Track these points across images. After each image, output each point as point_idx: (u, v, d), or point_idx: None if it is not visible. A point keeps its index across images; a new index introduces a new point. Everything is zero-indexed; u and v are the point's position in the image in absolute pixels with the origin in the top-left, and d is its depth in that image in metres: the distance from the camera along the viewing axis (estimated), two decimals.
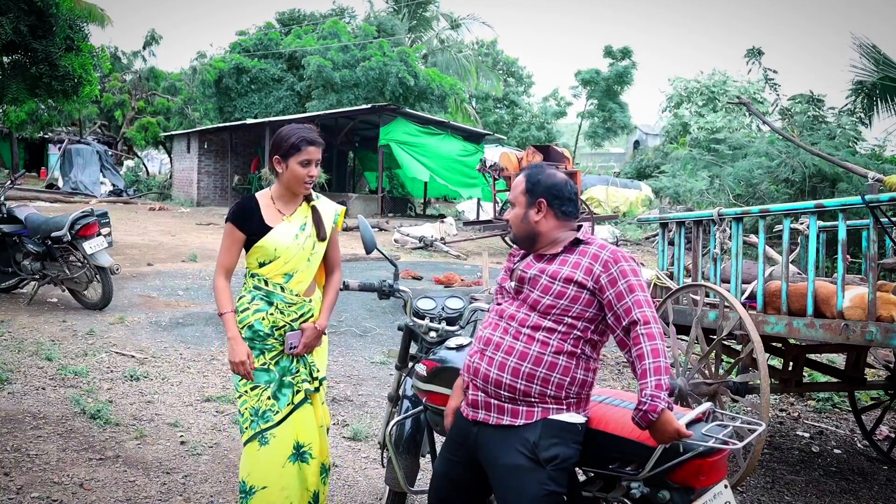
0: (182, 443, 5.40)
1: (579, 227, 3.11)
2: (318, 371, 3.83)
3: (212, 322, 8.88)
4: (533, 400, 2.87)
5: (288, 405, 3.69)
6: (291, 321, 3.71)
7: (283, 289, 3.70)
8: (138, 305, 9.80)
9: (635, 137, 48.00)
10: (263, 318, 3.67)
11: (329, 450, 3.97)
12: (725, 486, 2.83)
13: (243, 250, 3.75)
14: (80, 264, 9.35)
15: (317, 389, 3.80)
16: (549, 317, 2.92)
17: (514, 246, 3.27)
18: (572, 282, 2.91)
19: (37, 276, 9.43)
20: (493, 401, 2.93)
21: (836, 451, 6.31)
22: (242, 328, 3.67)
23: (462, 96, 34.45)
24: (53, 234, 9.09)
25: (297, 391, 3.73)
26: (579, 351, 2.91)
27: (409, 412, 3.87)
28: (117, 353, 7.57)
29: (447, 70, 33.96)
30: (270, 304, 3.68)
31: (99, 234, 9.21)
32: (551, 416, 2.86)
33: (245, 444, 3.69)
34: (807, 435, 6.68)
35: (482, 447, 2.95)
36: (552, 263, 3.00)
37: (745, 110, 25.76)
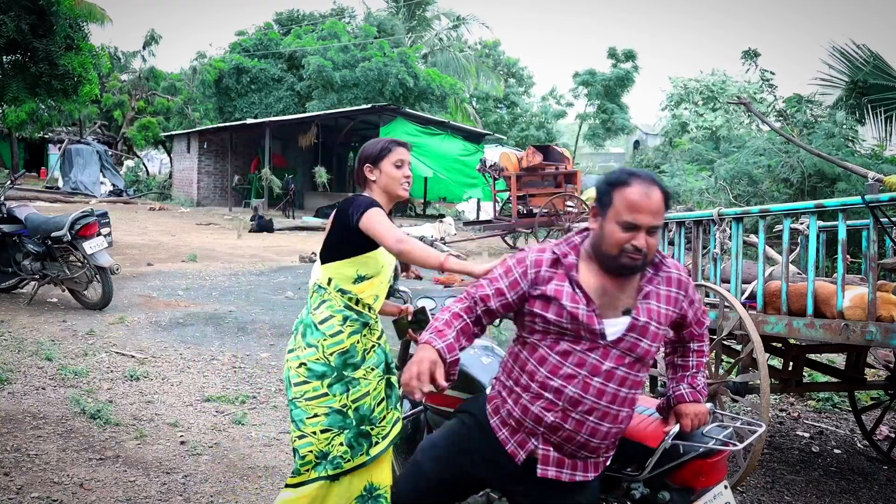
0: (182, 443, 5.40)
1: None
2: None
3: (212, 322, 8.88)
4: (609, 452, 2.74)
5: (362, 455, 3.36)
6: (376, 340, 3.49)
7: (370, 309, 3.46)
8: (138, 305, 9.80)
9: (635, 137, 48.00)
10: (358, 342, 3.39)
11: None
12: (725, 487, 2.83)
13: (333, 261, 3.41)
14: (80, 264, 9.35)
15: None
16: (645, 365, 2.70)
17: (545, 256, 2.72)
18: (670, 321, 2.74)
19: (37, 276, 9.43)
20: (567, 459, 2.67)
21: (836, 451, 6.30)
22: (332, 354, 3.33)
23: (462, 96, 34.46)
24: (53, 234, 9.09)
25: (377, 443, 3.41)
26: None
27: (409, 412, 3.87)
28: (117, 353, 7.57)
29: (447, 70, 34.00)
30: (364, 324, 3.43)
31: (99, 234, 9.20)
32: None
33: (289, 486, 3.35)
34: (807, 435, 6.68)
35: (535, 495, 2.73)
36: (650, 299, 2.68)
37: (744, 110, 25.77)
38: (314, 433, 3.30)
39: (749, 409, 6.12)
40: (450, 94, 30.60)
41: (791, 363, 5.72)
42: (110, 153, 33.78)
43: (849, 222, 4.84)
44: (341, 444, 3.31)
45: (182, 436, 5.53)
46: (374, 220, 3.26)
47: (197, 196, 29.09)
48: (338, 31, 31.15)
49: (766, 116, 13.74)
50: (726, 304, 5.12)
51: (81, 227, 9.06)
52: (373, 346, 3.45)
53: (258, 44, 31.72)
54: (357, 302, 3.40)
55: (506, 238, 20.04)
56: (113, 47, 36.83)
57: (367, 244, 3.34)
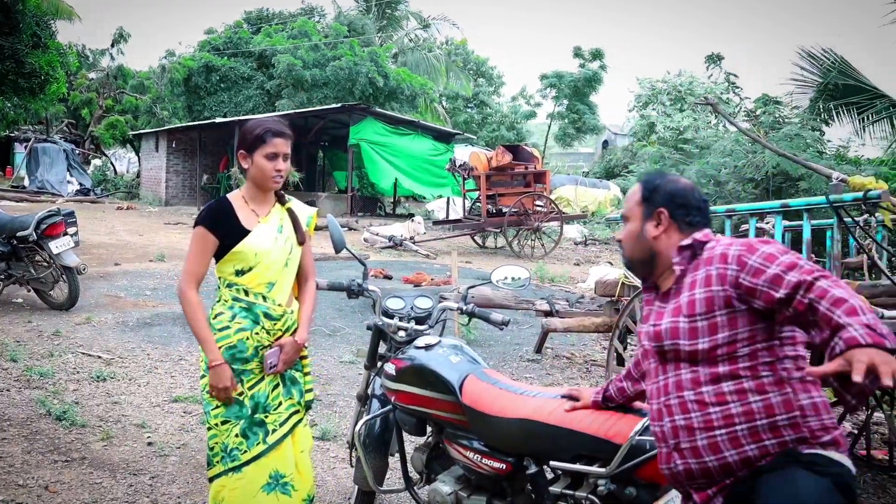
0: (149, 444, 5.37)
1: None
2: (310, 392, 3.66)
3: (179, 322, 8.82)
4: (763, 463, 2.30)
5: (258, 445, 3.38)
6: (277, 339, 3.46)
7: (265, 298, 3.42)
8: (105, 305, 9.71)
9: (604, 137, 48.33)
10: (248, 338, 3.38)
11: (313, 478, 3.72)
12: None
13: (216, 262, 3.46)
14: (46, 264, 9.26)
15: (308, 407, 3.65)
16: (720, 360, 2.34)
17: (630, 277, 2.77)
18: (714, 304, 2.35)
19: (2, 277, 9.31)
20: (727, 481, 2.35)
21: None
22: (220, 348, 3.33)
23: (432, 96, 34.48)
24: (19, 234, 8.98)
25: (273, 430, 3.42)
26: (778, 375, 2.31)
27: (378, 411, 3.87)
28: (84, 353, 7.50)
29: (417, 69, 33.98)
30: (255, 321, 3.39)
31: (65, 234, 9.12)
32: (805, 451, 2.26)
33: (211, 479, 3.43)
34: None
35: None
36: (681, 295, 2.46)
37: (711, 110, 26.00)
38: (216, 424, 3.39)
39: None
40: (420, 94, 30.61)
41: None
42: (77, 152, 33.44)
43: (813, 222, 4.91)
44: (236, 434, 3.37)
45: (149, 437, 5.49)
46: (191, 244, 3.41)
47: (165, 195, 28.88)
48: (308, 30, 31.03)
49: (732, 117, 13.87)
50: None
51: (47, 227, 8.97)
52: (268, 345, 3.45)
53: (228, 42, 31.54)
54: (246, 292, 3.42)
55: (475, 237, 20.08)
56: (81, 45, 36.59)
57: (227, 244, 3.38)
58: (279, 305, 3.47)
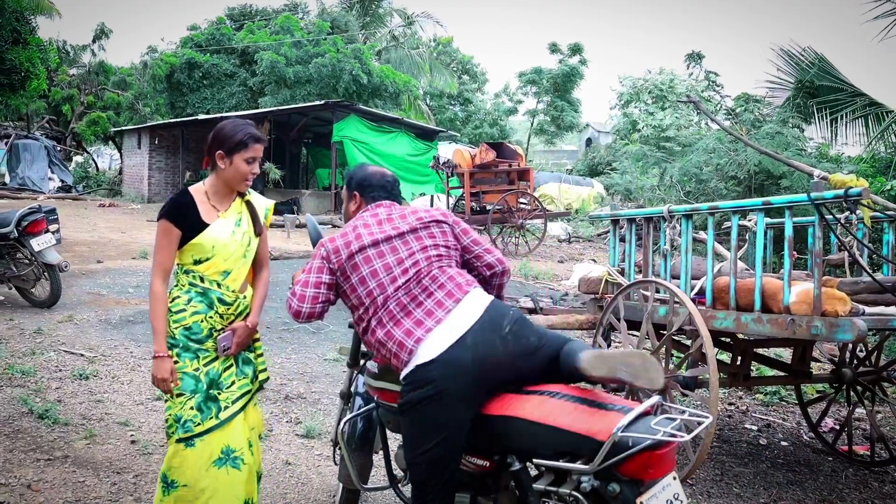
0: (132, 442, 5.35)
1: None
2: (264, 371, 3.85)
3: None
4: None
5: (211, 419, 3.57)
6: (230, 323, 3.69)
7: (219, 285, 3.64)
8: (88, 303, 9.66)
9: (587, 135, 48.46)
10: (202, 321, 3.61)
11: (262, 457, 3.91)
12: (674, 479, 2.87)
13: (177, 250, 3.66)
14: (27, 262, 9.20)
15: (259, 388, 3.83)
16: None
17: None
18: None
19: None
20: None
21: (783, 443, 6.43)
22: (177, 329, 3.60)
23: (416, 93, 34.42)
24: None
25: (226, 407, 3.61)
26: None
27: (362, 409, 3.87)
28: (66, 351, 7.47)
29: (401, 67, 33.90)
30: (210, 306, 3.61)
31: (47, 231, 9.07)
32: None
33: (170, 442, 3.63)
34: (755, 428, 6.80)
35: None
36: None
37: (693, 108, 26.10)
38: (171, 396, 3.61)
39: (699, 403, 6.22)
40: (403, 92, 30.54)
41: (739, 358, 5.81)
42: (59, 148, 33.13)
43: (795, 219, 4.93)
44: (191, 407, 3.57)
45: (132, 435, 5.48)
46: (156, 236, 3.66)
47: (148, 192, 28.71)
48: (291, 27, 30.91)
49: (714, 115, 13.92)
50: (676, 299, 5.19)
51: (28, 224, 8.93)
52: (222, 329, 3.65)
53: (210, 38, 31.36)
54: (202, 279, 3.64)
55: None
56: (62, 41, 36.21)
57: (188, 236, 3.60)
58: (232, 291, 3.68)
